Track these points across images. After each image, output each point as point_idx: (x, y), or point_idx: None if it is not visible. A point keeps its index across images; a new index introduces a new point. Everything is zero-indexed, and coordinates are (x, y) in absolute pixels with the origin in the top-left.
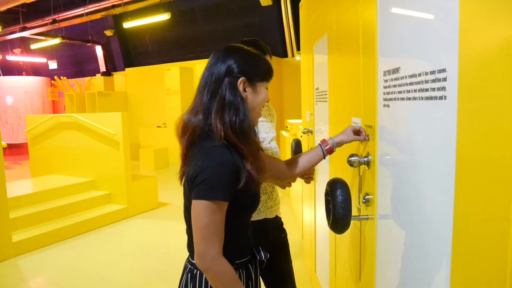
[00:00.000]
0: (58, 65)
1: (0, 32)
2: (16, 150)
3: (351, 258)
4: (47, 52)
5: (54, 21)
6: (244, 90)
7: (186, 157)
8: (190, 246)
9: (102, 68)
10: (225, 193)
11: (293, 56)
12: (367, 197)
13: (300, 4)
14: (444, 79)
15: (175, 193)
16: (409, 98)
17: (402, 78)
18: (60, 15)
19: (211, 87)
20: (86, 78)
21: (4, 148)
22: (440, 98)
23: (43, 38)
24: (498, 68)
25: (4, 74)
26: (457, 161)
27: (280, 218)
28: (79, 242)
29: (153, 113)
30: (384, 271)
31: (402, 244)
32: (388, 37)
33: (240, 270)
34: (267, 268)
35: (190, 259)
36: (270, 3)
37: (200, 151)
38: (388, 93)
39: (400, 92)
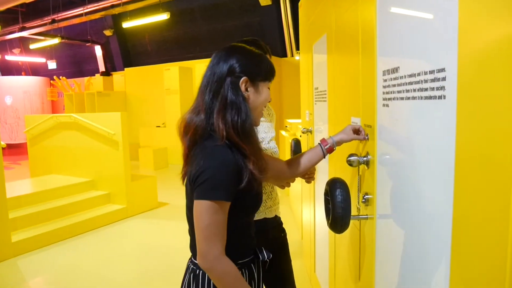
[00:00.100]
0: (57, 65)
1: None
2: (16, 150)
3: (351, 258)
4: (46, 52)
5: (53, 21)
6: (246, 89)
7: (188, 157)
8: (193, 246)
9: (101, 68)
10: (227, 193)
11: (292, 55)
12: (366, 196)
13: (299, 3)
14: (443, 79)
15: (174, 193)
16: (409, 98)
17: (401, 77)
18: (59, 15)
19: (213, 86)
20: (85, 78)
21: (3, 148)
22: (439, 97)
23: (42, 38)
24: (497, 67)
25: (3, 74)
26: (456, 160)
27: (279, 217)
28: (78, 242)
29: (152, 113)
30: (383, 271)
31: (402, 243)
32: (387, 37)
33: (243, 270)
34: (267, 268)
35: (192, 259)
36: (270, 2)
37: (202, 151)
38: (387, 93)
39: (399, 92)
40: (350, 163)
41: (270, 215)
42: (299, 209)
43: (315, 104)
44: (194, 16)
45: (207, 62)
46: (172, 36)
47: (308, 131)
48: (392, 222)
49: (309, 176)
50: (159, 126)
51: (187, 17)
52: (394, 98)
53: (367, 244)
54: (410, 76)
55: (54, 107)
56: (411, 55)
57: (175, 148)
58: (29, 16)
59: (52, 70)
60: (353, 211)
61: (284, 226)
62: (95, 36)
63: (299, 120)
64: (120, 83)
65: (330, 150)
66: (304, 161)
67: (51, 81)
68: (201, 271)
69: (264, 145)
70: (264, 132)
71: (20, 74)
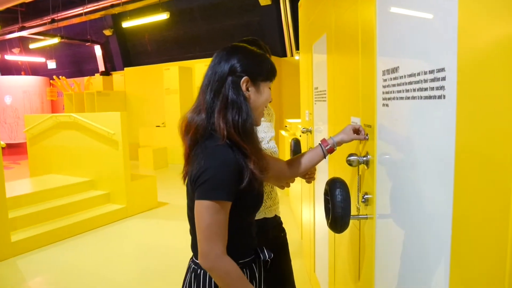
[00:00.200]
0: (57, 64)
1: None
2: (15, 149)
3: (350, 258)
4: (46, 52)
5: (53, 21)
6: (247, 89)
7: (189, 157)
8: (194, 246)
9: (101, 67)
10: (228, 192)
11: (292, 55)
12: (366, 196)
13: (299, 3)
14: (443, 79)
15: (174, 193)
16: (408, 98)
17: (401, 77)
18: (59, 14)
19: (214, 86)
20: (85, 78)
21: (3, 148)
22: (439, 97)
23: (41, 37)
24: (497, 67)
25: (3, 74)
26: (456, 160)
27: (279, 217)
28: (78, 242)
29: (152, 113)
30: (383, 271)
31: (401, 243)
32: (387, 37)
33: (244, 269)
34: (267, 268)
35: (194, 258)
36: (269, 2)
37: (203, 150)
38: (387, 93)
39: (399, 92)
40: (349, 163)
41: (270, 214)
42: (298, 209)
43: (315, 104)
44: (194, 16)
45: (207, 62)
46: (171, 36)
47: (307, 131)
48: (392, 222)
49: (309, 176)
50: (158, 126)
51: (186, 17)
52: (394, 98)
53: (366, 244)
54: (410, 76)
55: (54, 107)
56: (410, 55)
57: (175, 148)
58: (28, 15)
59: (52, 69)
60: (353, 211)
61: (284, 226)
62: (94, 35)
63: (298, 120)
64: (120, 83)
65: (331, 150)
66: (305, 161)
67: (51, 81)
68: (202, 271)
69: (263, 144)
70: (264, 131)
71: (20, 74)
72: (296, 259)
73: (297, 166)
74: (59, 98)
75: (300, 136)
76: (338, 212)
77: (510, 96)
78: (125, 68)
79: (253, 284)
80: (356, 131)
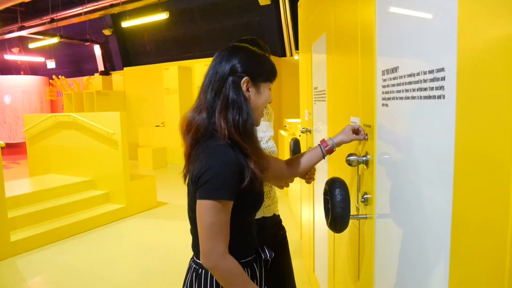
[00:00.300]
0: (56, 64)
1: None
2: (14, 149)
3: (350, 258)
4: (45, 51)
5: (52, 20)
6: (247, 89)
7: (190, 156)
8: (195, 245)
9: (101, 67)
10: (230, 192)
11: (291, 55)
12: (365, 196)
13: (298, 3)
14: (443, 78)
15: (173, 193)
16: (408, 98)
17: (400, 77)
18: (58, 14)
19: (215, 85)
20: (85, 78)
21: (2, 148)
22: (439, 97)
23: (41, 37)
24: (496, 67)
25: (2, 74)
26: (455, 160)
27: (278, 215)
28: (77, 242)
29: (151, 113)
30: (382, 270)
31: (401, 243)
32: (386, 37)
33: (245, 269)
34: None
35: (194, 258)
36: (269, 2)
37: (204, 150)
38: (386, 93)
39: (398, 92)
40: (349, 163)
41: (269, 213)
42: (298, 209)
43: (314, 103)
44: (193, 15)
45: (206, 62)
46: (171, 36)
47: (307, 131)
48: (391, 221)
49: (309, 176)
50: (158, 126)
51: (186, 16)
52: (393, 98)
53: (366, 244)
54: (410, 76)
55: (53, 107)
56: (410, 55)
57: (174, 148)
58: (28, 15)
59: (51, 69)
60: (353, 211)
61: (283, 225)
62: (94, 35)
63: (298, 120)
64: (119, 83)
65: (330, 151)
66: (304, 161)
67: (50, 81)
68: (203, 271)
69: (262, 144)
70: (263, 131)
71: (19, 74)
72: (295, 259)
73: (296, 166)
74: (58, 97)
75: (299, 136)
76: (337, 212)
77: (509, 96)
78: (124, 68)
79: None
80: (356, 131)
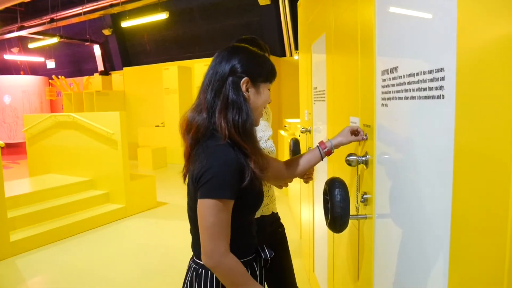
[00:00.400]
0: (56, 64)
1: None
2: (14, 149)
3: (350, 258)
4: (45, 51)
5: (52, 20)
6: (247, 90)
7: (190, 156)
8: (195, 245)
9: (100, 67)
10: (231, 191)
11: (291, 55)
12: (365, 196)
13: (298, 3)
14: (442, 79)
15: (173, 193)
16: (407, 98)
17: (400, 77)
18: (58, 14)
19: (215, 85)
20: (84, 77)
21: (2, 147)
22: (438, 97)
23: (41, 37)
24: (496, 67)
25: (2, 73)
26: (455, 160)
27: (276, 213)
28: (77, 242)
29: (151, 113)
30: (382, 270)
31: (401, 243)
32: (386, 37)
33: (245, 268)
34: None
35: (194, 258)
36: (268, 2)
37: (205, 150)
38: (386, 93)
39: (398, 92)
40: (349, 163)
41: (267, 212)
42: (298, 209)
43: (314, 103)
44: (193, 15)
45: (206, 62)
46: (171, 36)
47: (307, 131)
48: (391, 221)
49: (307, 176)
50: (158, 126)
51: (186, 16)
52: (393, 98)
53: (366, 244)
54: (409, 76)
55: (53, 107)
56: (410, 55)
57: (174, 148)
58: (27, 15)
59: (51, 69)
60: (352, 211)
61: (281, 222)
62: (94, 35)
63: (298, 120)
64: (119, 83)
65: (329, 153)
66: (303, 162)
67: (50, 81)
68: (203, 271)
69: (261, 144)
70: (262, 131)
71: (19, 73)
72: (295, 259)
73: (294, 167)
74: (58, 97)
75: (299, 136)
76: (337, 212)
77: (508, 95)
78: (124, 68)
79: None
80: (354, 132)
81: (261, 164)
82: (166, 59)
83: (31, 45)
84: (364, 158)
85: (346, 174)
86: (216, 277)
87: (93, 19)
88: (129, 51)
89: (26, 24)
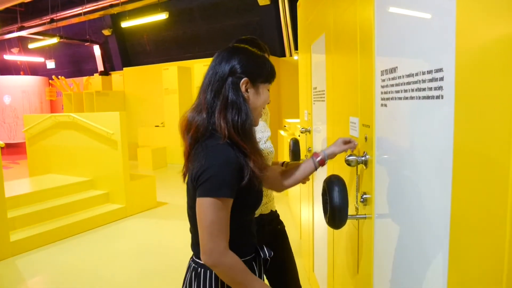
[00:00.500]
0: (56, 64)
1: None
2: (14, 149)
3: (349, 257)
4: (45, 52)
5: (52, 21)
6: (246, 90)
7: (190, 155)
8: (194, 244)
9: (100, 67)
10: (230, 190)
11: (291, 55)
12: (365, 196)
13: (298, 3)
14: (441, 79)
15: (173, 193)
16: (407, 98)
17: (399, 77)
18: (58, 14)
19: (214, 86)
20: (84, 78)
21: (2, 148)
22: (437, 97)
23: (41, 37)
24: (495, 67)
25: (1, 74)
26: (454, 160)
27: (275, 211)
28: (77, 242)
29: (151, 113)
30: (382, 270)
31: (400, 243)
32: (385, 37)
33: None
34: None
35: (194, 257)
36: (268, 2)
37: (204, 149)
38: (385, 93)
39: (397, 92)
40: (348, 163)
41: (266, 211)
42: (297, 209)
43: (314, 104)
44: (193, 15)
45: (206, 62)
46: (170, 36)
47: (306, 131)
48: (391, 221)
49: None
50: (157, 126)
51: (186, 16)
52: (392, 98)
53: (365, 244)
54: (408, 76)
55: (53, 107)
56: (409, 55)
57: (174, 148)
58: (27, 15)
59: (51, 69)
60: (352, 211)
61: (281, 220)
62: (93, 35)
63: (297, 120)
64: (119, 83)
65: (322, 162)
66: (298, 173)
67: (50, 81)
68: (202, 270)
69: (260, 145)
70: (261, 131)
71: (19, 74)
72: (295, 258)
73: (289, 179)
74: (58, 98)
75: (299, 136)
76: (335, 203)
77: (507, 96)
78: (124, 68)
79: None
80: (347, 142)
81: (261, 163)
82: (166, 59)
83: (31, 45)
84: (363, 158)
85: (345, 174)
86: (215, 277)
87: (93, 19)
88: (129, 52)
89: (26, 24)
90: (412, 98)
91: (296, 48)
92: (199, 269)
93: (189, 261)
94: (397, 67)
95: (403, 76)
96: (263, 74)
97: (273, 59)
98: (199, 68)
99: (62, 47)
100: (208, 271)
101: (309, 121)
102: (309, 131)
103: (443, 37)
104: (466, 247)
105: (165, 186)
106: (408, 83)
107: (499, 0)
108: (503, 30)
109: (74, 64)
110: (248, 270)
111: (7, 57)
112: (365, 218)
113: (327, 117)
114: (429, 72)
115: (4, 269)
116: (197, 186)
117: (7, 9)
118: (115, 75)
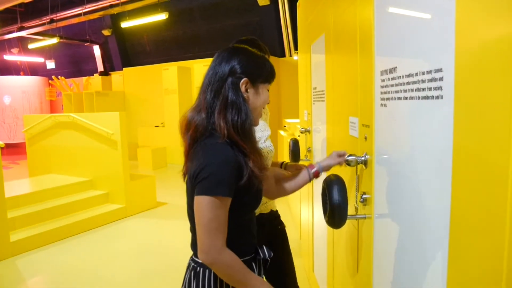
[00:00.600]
0: (55, 64)
1: None
2: (14, 149)
3: (349, 257)
4: (44, 52)
5: (52, 21)
6: (246, 90)
7: (189, 154)
8: (194, 244)
9: (100, 67)
10: (228, 188)
11: (290, 55)
12: (364, 196)
13: (297, 3)
14: (441, 79)
15: (173, 193)
16: (406, 98)
17: (399, 77)
18: (57, 14)
19: (214, 86)
20: (84, 78)
21: (2, 148)
22: (437, 97)
23: (40, 37)
24: (494, 67)
25: (1, 74)
26: (453, 160)
27: (276, 211)
28: (77, 242)
29: (151, 113)
30: (381, 270)
31: (400, 243)
32: (385, 37)
33: None
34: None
35: (193, 257)
36: (268, 2)
37: (203, 148)
38: (385, 93)
39: (397, 92)
40: (348, 163)
41: (266, 210)
42: (297, 209)
43: (313, 104)
44: (193, 16)
45: (206, 62)
46: (170, 36)
47: (306, 131)
48: (390, 221)
49: None
50: (157, 126)
51: (185, 17)
52: (392, 98)
53: (365, 244)
54: (408, 76)
55: (53, 107)
56: (408, 55)
57: (174, 148)
58: (27, 15)
59: (51, 69)
60: (351, 211)
61: (281, 220)
62: (93, 36)
63: (297, 120)
64: (119, 83)
65: (316, 174)
66: (292, 183)
67: (50, 81)
68: (201, 269)
69: (260, 144)
70: (261, 130)
71: (19, 74)
72: (294, 259)
73: (284, 187)
74: (58, 98)
75: (298, 136)
76: (335, 202)
77: (507, 96)
78: (124, 68)
79: None
80: (341, 155)
81: (260, 163)
82: (165, 60)
83: (31, 46)
84: (363, 158)
85: (345, 174)
86: (213, 276)
87: (92, 19)
88: (129, 52)
89: (26, 24)
90: (411, 98)
91: (296, 48)
92: (198, 268)
93: (189, 260)
94: (396, 67)
95: (402, 76)
96: (263, 74)
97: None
98: (199, 68)
99: (62, 47)
100: (207, 270)
101: (308, 121)
102: (309, 131)
103: (442, 37)
104: (466, 247)
105: (165, 186)
106: (408, 83)
107: (499, 0)
108: (502, 30)
109: (74, 64)
110: (247, 268)
111: (7, 57)
112: (364, 218)
113: (326, 117)
114: (429, 72)
115: (4, 269)
116: (195, 184)
117: (7, 9)
118: (115, 75)
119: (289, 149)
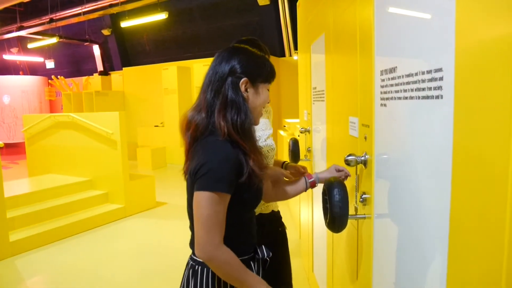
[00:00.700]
0: (55, 64)
1: None
2: (13, 149)
3: (348, 257)
4: (44, 52)
5: (51, 20)
6: (246, 90)
7: (189, 153)
8: (193, 242)
9: (100, 67)
10: (228, 185)
11: (290, 55)
12: (364, 196)
13: (297, 3)
14: (441, 79)
15: (172, 193)
16: (406, 98)
17: (399, 77)
18: (57, 14)
19: (214, 85)
20: (84, 78)
21: (1, 148)
22: (437, 97)
23: (40, 37)
24: (494, 67)
25: (1, 74)
26: (453, 160)
27: (278, 212)
28: (76, 242)
29: (150, 113)
30: (381, 270)
31: (399, 243)
32: (385, 37)
33: None
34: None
35: (192, 255)
36: (268, 2)
37: (204, 145)
38: (385, 93)
39: (397, 92)
40: (348, 163)
41: (267, 210)
42: (297, 209)
43: (313, 103)
44: (193, 15)
45: (206, 62)
46: (170, 36)
47: (306, 131)
48: (390, 221)
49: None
50: (157, 126)
51: (185, 16)
52: (391, 98)
53: (364, 244)
54: (408, 76)
55: (52, 107)
56: (408, 55)
57: (174, 148)
58: (27, 15)
59: (50, 69)
60: (351, 211)
61: (283, 222)
62: (93, 35)
63: (297, 120)
64: (118, 83)
65: (313, 184)
66: (289, 189)
67: (49, 81)
68: (199, 267)
69: (261, 142)
70: (262, 129)
71: (18, 74)
72: (294, 259)
73: (280, 193)
74: (57, 98)
75: (298, 136)
76: (336, 211)
77: (507, 96)
78: (123, 68)
79: None
80: (339, 170)
81: (261, 162)
82: (165, 59)
83: (30, 45)
84: (363, 158)
85: None
86: (212, 274)
87: (92, 19)
88: (129, 51)
89: (25, 24)
90: (411, 98)
91: (295, 48)
92: (197, 266)
93: (188, 259)
94: (396, 67)
95: (402, 76)
96: (263, 74)
97: (273, 59)
98: (198, 68)
99: (61, 47)
100: (205, 268)
101: (308, 121)
102: (309, 131)
103: (442, 37)
104: (465, 247)
105: (164, 186)
106: (408, 83)
107: (499, 0)
108: (502, 30)
109: (73, 64)
110: (244, 266)
111: (7, 57)
112: (364, 218)
113: (326, 117)
114: (429, 72)
115: (4, 269)
116: (195, 180)
117: (6, 9)
118: (115, 75)
119: (289, 149)
